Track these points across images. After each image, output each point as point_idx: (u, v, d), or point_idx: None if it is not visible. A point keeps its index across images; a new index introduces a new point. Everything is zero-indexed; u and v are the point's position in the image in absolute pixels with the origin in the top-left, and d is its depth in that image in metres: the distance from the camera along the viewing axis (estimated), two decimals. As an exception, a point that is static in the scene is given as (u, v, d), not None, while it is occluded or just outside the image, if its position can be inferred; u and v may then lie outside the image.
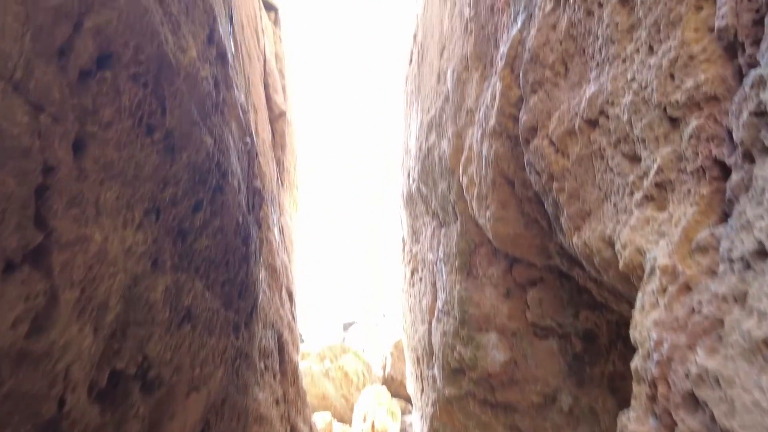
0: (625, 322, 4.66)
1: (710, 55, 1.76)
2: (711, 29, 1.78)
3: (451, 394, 5.76)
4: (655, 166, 2.01)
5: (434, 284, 7.15)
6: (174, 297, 2.59)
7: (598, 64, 2.49)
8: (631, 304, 3.57)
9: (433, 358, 6.46)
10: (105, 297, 1.97)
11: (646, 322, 1.86)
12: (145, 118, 2.00)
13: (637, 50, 2.13)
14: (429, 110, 6.69)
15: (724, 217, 1.68)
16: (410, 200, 8.54)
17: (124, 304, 2.16)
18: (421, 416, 7.36)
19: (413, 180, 8.11)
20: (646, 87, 2.04)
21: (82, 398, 1.88)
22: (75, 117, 1.71)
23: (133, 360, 2.25)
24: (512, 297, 5.47)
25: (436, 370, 6.28)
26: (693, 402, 1.48)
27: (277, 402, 5.61)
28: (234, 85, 3.12)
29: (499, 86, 3.71)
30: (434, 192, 6.74)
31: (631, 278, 2.32)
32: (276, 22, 10.28)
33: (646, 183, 2.10)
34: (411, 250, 8.60)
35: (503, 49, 3.77)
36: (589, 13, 2.50)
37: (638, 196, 2.18)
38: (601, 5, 2.38)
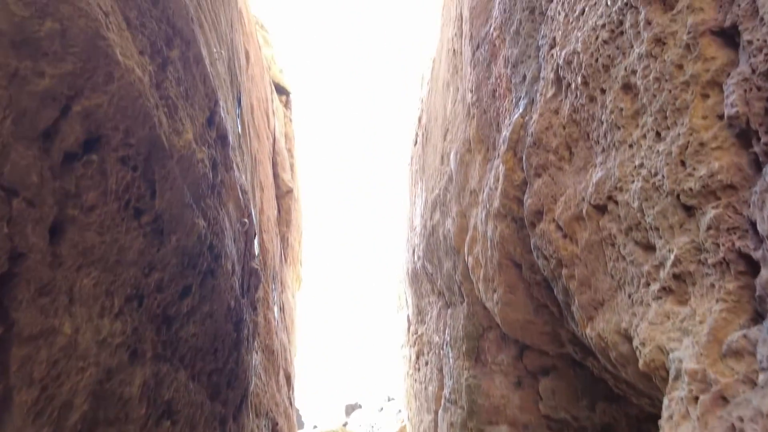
0: (646, 417, 4.29)
1: (722, 142, 1.67)
2: (720, 116, 1.71)
3: (458, 496, 5.24)
4: (672, 257, 1.87)
5: (441, 369, 6.77)
6: (153, 391, 2.37)
7: (603, 149, 2.43)
8: (653, 399, 3.26)
9: (439, 453, 5.97)
10: (70, 395, 1.78)
11: (677, 436, 1.63)
12: (132, 201, 1.92)
13: (644, 136, 2.06)
14: (433, 189, 6.70)
15: (756, 316, 1.51)
16: (415, 278, 8.34)
17: (93, 402, 1.96)
18: None
19: (418, 257, 7.96)
20: (656, 174, 1.95)
21: None
22: (55, 201, 1.63)
23: (99, 467, 2.01)
24: (523, 386, 5.12)
25: (442, 468, 5.77)
26: None
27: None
28: (234, 166, 3.09)
29: (502, 169, 3.67)
30: (440, 270, 6.57)
31: (653, 378, 2.09)
32: (287, 104, 10.68)
33: (662, 274, 1.95)
34: (416, 331, 8.26)
35: (505, 132, 3.77)
36: (592, 99, 2.48)
37: (655, 287, 2.02)
38: (603, 92, 2.36)
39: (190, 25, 2.34)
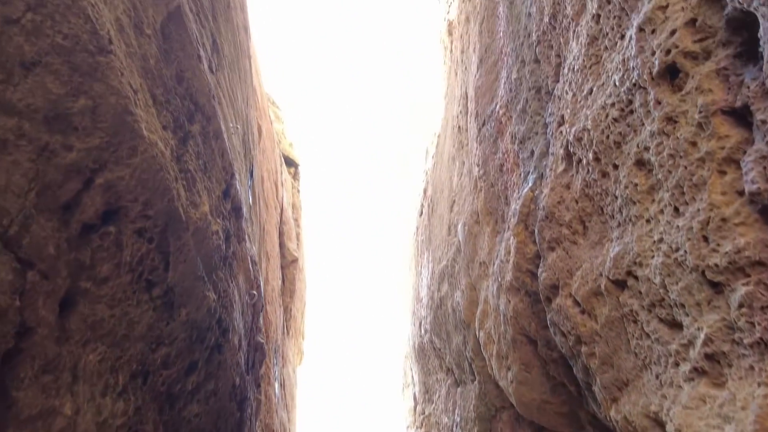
0: None
1: (745, 218, 1.66)
2: (739, 192, 1.71)
3: None
4: (702, 335, 1.80)
5: (450, 453, 6.36)
6: (149, 478, 2.21)
7: (619, 224, 2.42)
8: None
9: None
10: (63, 484, 1.65)
11: None
12: (145, 273, 1.89)
13: (662, 211, 2.06)
14: (440, 260, 6.65)
15: (802, 402, 1.42)
16: (422, 353, 8.06)
17: (86, 491, 1.81)
18: None
19: (425, 331, 7.74)
20: (677, 249, 1.92)
21: None
22: (68, 273, 1.60)
23: None
24: (540, 474, 4.77)
25: None
26: None
27: None
28: (246, 237, 3.09)
29: (513, 242, 3.65)
30: (448, 346, 6.37)
31: (692, 469, 1.94)
32: (295, 175, 10.91)
33: (693, 353, 1.86)
34: (423, 411, 7.86)
35: (515, 206, 3.79)
36: (604, 174, 2.50)
37: (686, 368, 1.92)
38: (616, 167, 2.39)
39: (212, 101, 2.42)
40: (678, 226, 1.93)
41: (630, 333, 2.37)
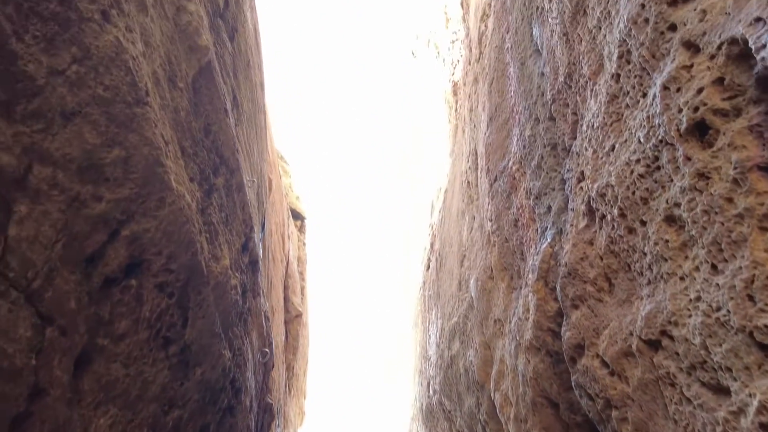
0: None
1: (792, 277, 1.59)
2: (783, 250, 1.65)
3: None
4: (756, 403, 1.68)
5: None
6: None
7: (649, 281, 2.34)
8: None
9: None
10: None
11: None
12: (163, 330, 1.80)
13: (697, 268, 1.99)
14: (451, 316, 6.49)
15: None
16: (430, 415, 7.70)
17: None
18: None
19: (434, 392, 7.43)
20: (719, 308, 1.84)
21: None
22: (86, 329, 1.52)
23: None
24: None
25: None
26: None
27: None
28: (261, 292, 3.01)
29: (533, 299, 3.55)
30: (460, 408, 6.08)
31: None
32: (301, 228, 10.90)
33: (745, 423, 1.74)
34: (432, 479, 7.41)
35: (532, 262, 3.72)
36: (631, 230, 2.45)
37: (736, 438, 1.79)
38: (644, 223, 2.34)
39: (236, 155, 2.42)
40: (718, 285, 1.86)
41: (667, 397, 2.24)
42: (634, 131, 2.41)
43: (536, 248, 3.71)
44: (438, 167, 11.35)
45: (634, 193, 2.40)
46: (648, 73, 2.32)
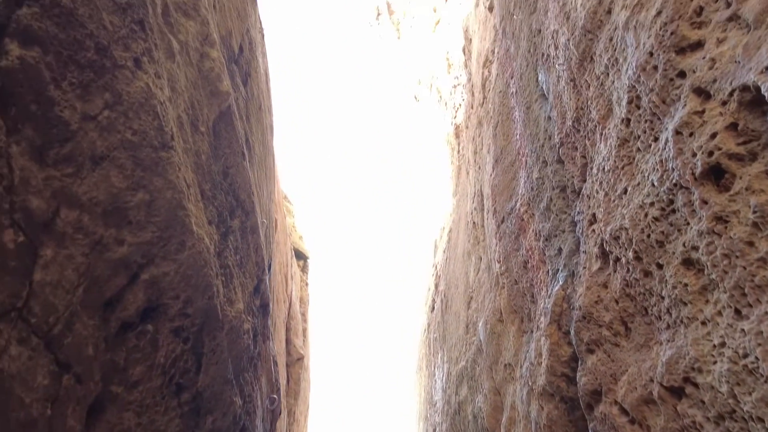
0: None
1: (822, 323, 1.56)
2: (809, 295, 1.62)
3: None
4: (791, 457, 1.62)
5: None
6: None
7: (668, 326, 2.30)
8: None
9: None
10: None
11: None
12: (177, 376, 1.76)
13: (719, 313, 1.96)
14: (458, 360, 6.35)
15: None
16: (436, 465, 7.41)
17: None
18: None
19: (439, 440, 7.18)
20: (746, 355, 1.80)
21: None
22: (101, 376, 1.48)
23: None
24: None
25: None
26: None
27: None
28: (270, 335, 2.95)
29: (545, 343, 3.48)
30: (467, 457, 5.86)
31: None
32: (304, 268, 10.83)
33: (781, 478, 1.67)
34: None
35: (544, 304, 3.68)
36: (647, 274, 2.43)
37: (772, 494, 1.71)
38: (660, 266, 2.33)
39: (251, 197, 2.43)
40: (743, 330, 1.82)
41: (694, 449, 2.15)
42: (646, 175, 2.43)
43: (548, 291, 3.67)
44: (441, 207, 11.40)
45: (649, 236, 2.39)
46: (659, 118, 2.35)
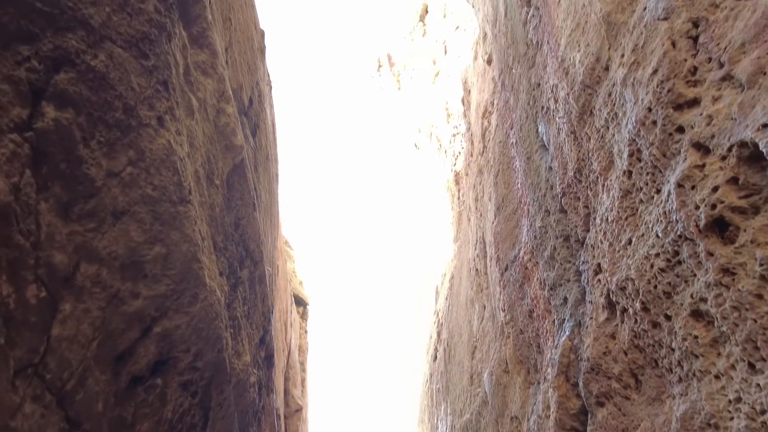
0: None
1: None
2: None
3: None
4: None
5: None
6: None
7: (680, 379, 2.27)
8: None
9: None
10: None
11: None
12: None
13: (732, 366, 1.94)
14: (462, 413, 6.17)
15: None
16: None
17: None
18: None
19: (443, 498, 6.87)
20: (763, 411, 1.77)
21: None
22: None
23: None
24: None
25: None
26: None
27: None
28: (274, 388, 2.89)
29: (553, 395, 3.41)
30: None
31: None
32: (303, 315, 10.69)
33: None
34: None
35: (551, 355, 3.63)
36: (656, 325, 2.42)
37: None
38: (668, 318, 2.32)
39: (260, 246, 2.45)
40: (759, 385, 1.80)
41: None
42: (650, 226, 2.46)
43: (554, 341, 3.63)
44: (442, 252, 11.39)
45: (656, 287, 2.40)
46: (660, 171, 2.41)
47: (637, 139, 2.56)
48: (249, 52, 3.26)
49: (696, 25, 2.21)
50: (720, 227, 2.03)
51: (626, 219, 2.70)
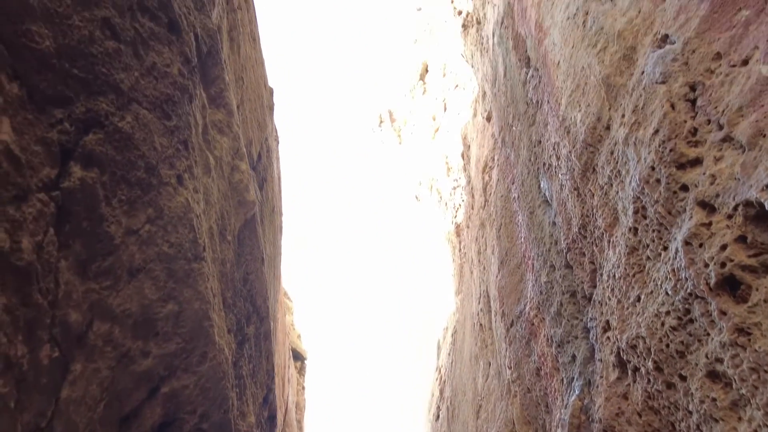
0: None
1: None
2: None
3: None
4: None
5: None
6: None
7: (700, 444, 2.19)
8: None
9: None
10: None
11: None
12: (184, 500, 1.63)
13: (754, 432, 1.87)
14: (466, 477, 5.88)
15: None
16: None
17: None
18: None
19: None
20: (790, 481, 1.69)
21: None
22: (108, 502, 1.38)
23: None
24: None
25: None
26: None
27: None
28: (275, 450, 2.78)
29: (565, 458, 3.27)
30: None
31: None
32: (301, 370, 10.41)
33: None
34: None
35: (560, 415, 3.51)
36: (670, 386, 2.36)
37: None
38: (683, 378, 2.27)
39: (267, 302, 2.43)
40: (783, 452, 1.74)
41: None
42: (659, 283, 2.45)
43: (563, 400, 3.52)
44: (443, 306, 11.25)
45: (668, 345, 2.36)
46: (666, 228, 2.43)
47: (641, 197, 2.60)
48: (259, 110, 3.37)
49: (693, 88, 2.30)
50: (731, 286, 2.02)
51: (634, 276, 2.69)
